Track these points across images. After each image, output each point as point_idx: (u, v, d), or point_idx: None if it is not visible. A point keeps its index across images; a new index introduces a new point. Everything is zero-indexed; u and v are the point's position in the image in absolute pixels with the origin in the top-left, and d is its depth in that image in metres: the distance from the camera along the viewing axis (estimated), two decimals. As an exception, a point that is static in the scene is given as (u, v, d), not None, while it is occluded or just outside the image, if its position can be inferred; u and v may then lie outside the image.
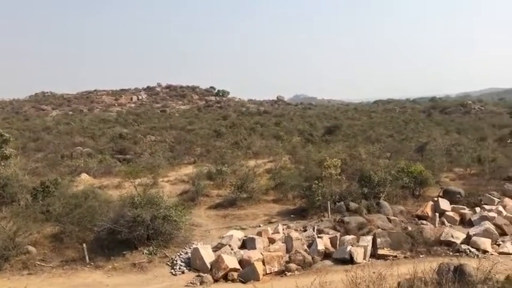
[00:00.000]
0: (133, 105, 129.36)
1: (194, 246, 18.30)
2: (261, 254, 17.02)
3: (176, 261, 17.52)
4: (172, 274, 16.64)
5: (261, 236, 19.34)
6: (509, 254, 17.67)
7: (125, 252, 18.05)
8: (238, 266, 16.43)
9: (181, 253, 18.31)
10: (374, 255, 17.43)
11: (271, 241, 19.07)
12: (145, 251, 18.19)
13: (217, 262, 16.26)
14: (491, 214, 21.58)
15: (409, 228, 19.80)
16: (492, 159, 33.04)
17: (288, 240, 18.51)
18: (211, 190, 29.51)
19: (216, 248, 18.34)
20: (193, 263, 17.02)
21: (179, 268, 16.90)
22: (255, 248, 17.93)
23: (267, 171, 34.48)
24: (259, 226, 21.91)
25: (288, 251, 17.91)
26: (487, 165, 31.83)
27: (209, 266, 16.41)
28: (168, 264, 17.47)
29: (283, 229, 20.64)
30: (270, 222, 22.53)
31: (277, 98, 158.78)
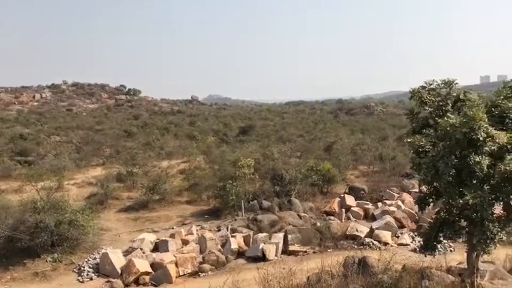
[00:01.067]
0: (36, 103, 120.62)
1: (103, 251, 17.55)
2: (174, 256, 16.77)
3: (84, 267, 16.66)
4: (80, 281, 15.80)
5: (174, 238, 19.05)
6: (407, 244, 19.15)
7: (25, 261, 16.78)
8: (150, 270, 16.04)
9: (89, 259, 17.46)
10: (285, 251, 17.92)
11: (185, 242, 18.86)
12: (49, 258, 17.06)
13: (128, 266, 15.73)
14: (392, 208, 23.23)
15: (318, 224, 20.68)
16: (392, 157, 35.53)
17: (201, 241, 18.42)
18: (122, 192, 28.48)
19: (126, 252, 17.75)
20: (103, 269, 16.30)
21: (87, 275, 16.09)
22: (167, 251, 17.61)
23: (181, 172, 34.05)
24: (172, 228, 21.56)
25: (201, 251, 17.83)
26: (387, 163, 34.21)
27: (119, 271, 15.82)
28: (74, 271, 16.55)
29: (197, 230, 20.50)
30: (184, 224, 22.26)
31: (191, 97, 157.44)
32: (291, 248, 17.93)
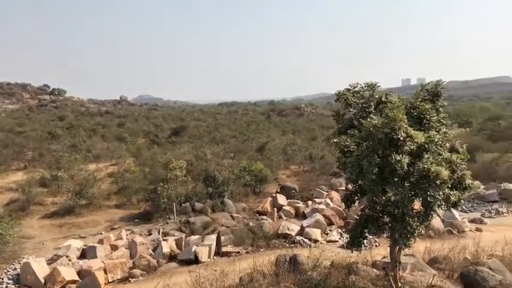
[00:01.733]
0: None
1: (24, 260, 16.48)
2: (103, 262, 16.14)
3: (2, 279, 15.57)
4: (-3, 295, 14.76)
5: (103, 243, 18.34)
6: (335, 241, 19.84)
7: None
8: (77, 278, 15.30)
9: (9, 269, 16.36)
10: (219, 253, 17.89)
11: (114, 248, 18.21)
12: (-39, 272, 15.76)
13: (53, 275, 14.89)
14: (321, 206, 23.95)
15: (251, 224, 20.84)
16: (321, 157, 36.74)
17: (131, 245, 17.90)
18: (46, 198, 26.97)
19: (51, 261, 16.82)
20: (24, 279, 15.31)
21: (6, 287, 15.04)
22: (96, 257, 16.91)
23: (109, 175, 32.90)
24: (101, 233, 20.76)
25: (132, 256, 17.32)
26: (317, 163, 35.32)
27: (43, 281, 14.94)
28: (-9, 284, 15.41)
29: (126, 235, 19.89)
30: (113, 229, 21.51)
31: (120, 98, 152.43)
32: (223, 249, 17.93)
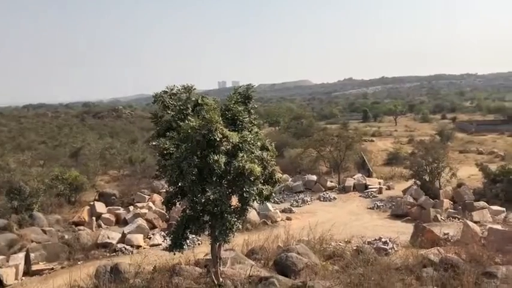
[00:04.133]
0: None
1: None
2: None
3: None
4: None
5: None
6: (159, 244, 19.70)
7: None
8: None
9: None
10: (28, 272, 16.07)
11: None
12: None
13: None
14: (143, 210, 23.50)
15: (66, 237, 19.29)
16: (142, 160, 36.05)
17: None
18: None
19: None
20: None
21: None
22: None
23: None
24: None
25: None
26: (138, 166, 34.51)
27: None
28: None
29: None
30: None
31: None
32: (34, 267, 16.19)
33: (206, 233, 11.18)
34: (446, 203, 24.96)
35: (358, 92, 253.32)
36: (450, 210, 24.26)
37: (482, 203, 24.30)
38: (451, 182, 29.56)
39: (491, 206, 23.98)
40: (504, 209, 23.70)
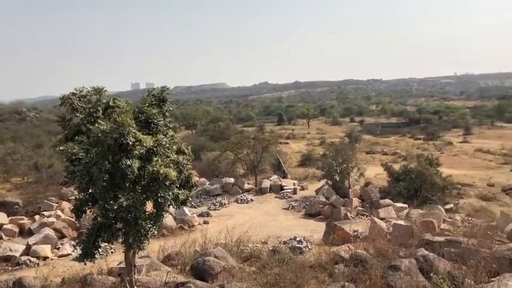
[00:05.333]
0: None
1: None
2: None
3: None
4: None
5: None
6: (68, 254, 18.58)
7: None
8: None
9: None
10: None
11: None
12: None
13: None
14: (51, 219, 22.08)
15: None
16: (49, 166, 33.86)
17: None
18: None
19: None
20: None
21: None
22: None
23: None
24: None
25: None
26: (44, 172, 32.35)
27: None
28: None
29: None
30: None
31: None
32: None
33: (120, 240, 10.76)
34: (355, 201, 26.39)
35: (273, 95, 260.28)
36: (359, 208, 25.69)
37: (387, 201, 26.09)
38: (359, 181, 31.37)
39: (396, 203, 25.80)
40: (407, 205, 25.59)
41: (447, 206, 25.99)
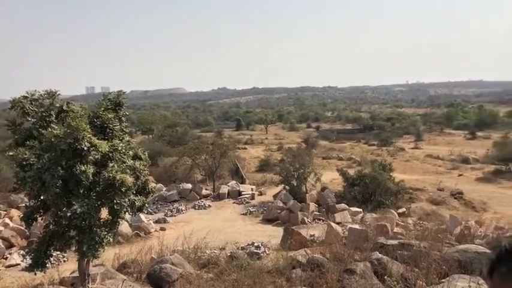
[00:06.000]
0: None
1: None
2: None
3: None
4: None
5: None
6: (17, 265, 17.77)
7: None
8: None
9: None
10: None
11: None
12: None
13: None
14: (-2, 228, 21.07)
15: None
16: (-3, 171, 32.32)
17: None
18: None
19: None
20: None
21: None
22: None
23: None
24: None
25: None
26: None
27: None
28: None
29: None
30: None
31: None
32: None
33: (73, 249, 10.45)
34: (312, 206, 26.78)
35: (232, 101, 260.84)
36: (316, 212, 26.07)
37: (343, 205, 26.63)
38: (316, 186, 31.86)
39: (351, 208, 26.38)
40: (361, 210, 26.23)
41: (400, 210, 26.81)
